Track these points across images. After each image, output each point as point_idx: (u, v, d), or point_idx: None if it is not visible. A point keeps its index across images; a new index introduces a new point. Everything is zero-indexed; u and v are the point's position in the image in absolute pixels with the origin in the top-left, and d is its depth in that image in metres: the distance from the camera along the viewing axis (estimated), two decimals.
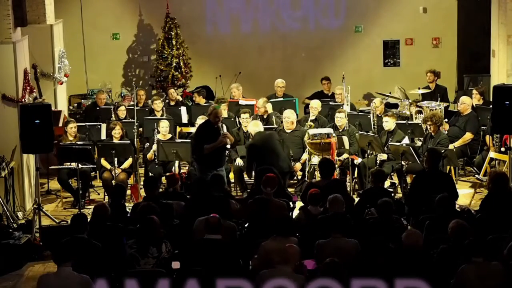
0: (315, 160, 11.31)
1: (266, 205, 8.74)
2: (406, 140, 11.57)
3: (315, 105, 12.48)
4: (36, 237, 9.98)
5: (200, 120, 11.82)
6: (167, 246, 7.61)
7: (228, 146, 11.01)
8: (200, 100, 13.92)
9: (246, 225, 8.90)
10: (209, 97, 14.64)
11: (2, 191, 10.59)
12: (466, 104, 12.40)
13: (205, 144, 10.62)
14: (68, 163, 11.40)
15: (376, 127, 12.31)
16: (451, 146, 11.70)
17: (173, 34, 15.16)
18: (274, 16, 16.17)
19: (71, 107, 15.11)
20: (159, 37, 15.47)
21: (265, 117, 12.59)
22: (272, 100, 13.31)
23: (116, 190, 9.38)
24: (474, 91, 13.19)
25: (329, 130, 11.51)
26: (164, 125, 11.94)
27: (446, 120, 12.53)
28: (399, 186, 11.34)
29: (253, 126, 11.33)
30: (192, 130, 12.63)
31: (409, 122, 12.49)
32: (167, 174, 10.93)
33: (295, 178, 12.15)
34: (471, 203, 10.96)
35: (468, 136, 12.19)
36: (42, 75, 13.08)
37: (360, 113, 13.01)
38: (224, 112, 12.13)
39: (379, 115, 12.41)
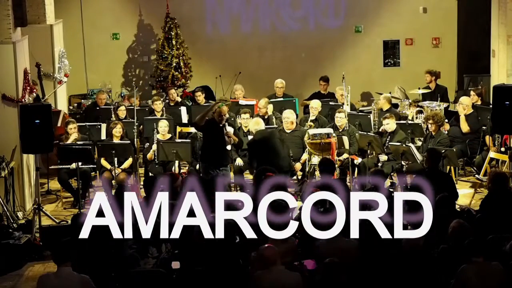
0: (315, 160, 11.32)
1: None
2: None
3: (315, 105, 12.48)
4: (36, 237, 9.98)
5: None
6: (167, 246, 7.61)
7: (229, 147, 11.00)
8: (202, 99, 13.93)
9: None
10: (209, 97, 14.64)
11: (2, 191, 10.59)
12: (464, 104, 12.40)
13: (209, 142, 10.64)
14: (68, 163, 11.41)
15: (377, 125, 12.31)
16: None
17: (173, 34, 15.16)
18: (274, 16, 16.17)
19: (71, 107, 15.11)
20: (159, 37, 15.46)
21: (266, 117, 12.60)
22: (272, 100, 13.31)
23: (118, 190, 9.37)
24: (472, 92, 13.21)
25: (329, 130, 11.51)
26: (163, 125, 11.94)
27: (446, 120, 12.52)
28: (399, 186, 11.34)
29: (255, 125, 11.34)
30: (192, 130, 12.63)
31: (409, 122, 12.49)
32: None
33: (295, 178, 12.15)
34: (471, 203, 10.96)
35: (465, 128, 12.19)
36: (43, 75, 13.09)
37: (360, 113, 13.02)
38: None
39: (383, 110, 12.43)
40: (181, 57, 15.19)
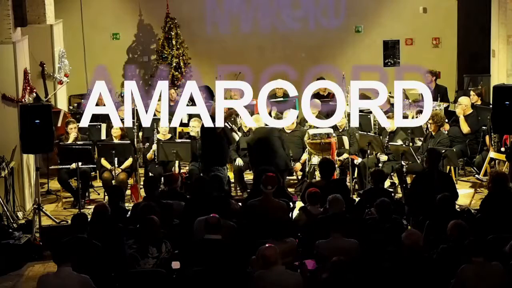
0: (315, 160, 11.31)
1: (266, 206, 8.73)
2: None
3: (315, 103, 12.48)
4: (36, 237, 9.98)
5: (193, 122, 11.63)
6: (167, 246, 7.61)
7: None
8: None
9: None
10: (209, 97, 14.61)
11: (2, 191, 10.59)
12: (462, 105, 12.39)
13: (209, 140, 10.64)
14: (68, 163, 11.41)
15: (377, 125, 12.31)
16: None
17: (173, 34, 15.16)
18: (274, 16, 16.16)
19: (71, 107, 15.11)
20: (159, 37, 15.47)
21: None
22: (272, 100, 13.30)
23: (113, 191, 9.31)
24: (472, 92, 13.20)
25: (329, 130, 11.51)
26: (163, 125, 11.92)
27: (446, 120, 12.51)
28: (399, 186, 11.34)
29: (254, 121, 11.33)
30: None
31: None
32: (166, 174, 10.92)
33: (296, 178, 12.15)
34: (471, 203, 10.96)
35: (465, 129, 12.19)
36: (45, 75, 13.11)
37: (360, 113, 12.97)
38: None
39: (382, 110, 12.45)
40: (181, 57, 15.19)
